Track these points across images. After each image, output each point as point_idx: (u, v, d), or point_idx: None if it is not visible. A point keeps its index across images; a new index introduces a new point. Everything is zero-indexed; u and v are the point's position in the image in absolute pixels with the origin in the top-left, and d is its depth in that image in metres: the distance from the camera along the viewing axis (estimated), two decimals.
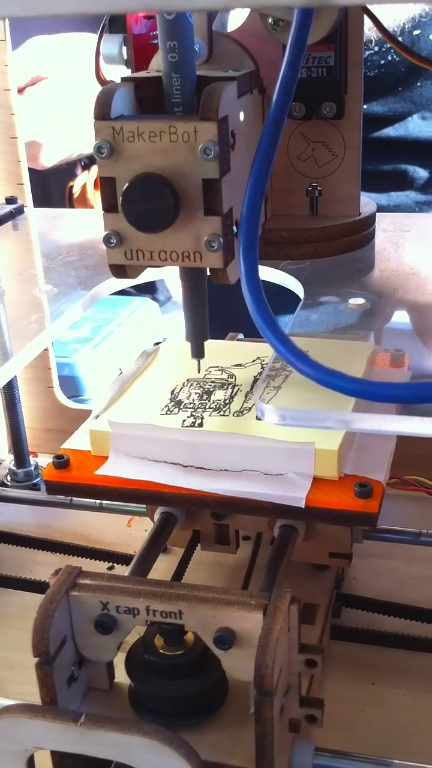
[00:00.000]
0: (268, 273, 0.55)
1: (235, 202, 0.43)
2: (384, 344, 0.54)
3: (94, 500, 0.64)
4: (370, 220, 0.59)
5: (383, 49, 0.90)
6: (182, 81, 0.43)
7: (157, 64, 0.48)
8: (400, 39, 0.87)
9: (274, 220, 0.57)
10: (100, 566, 0.65)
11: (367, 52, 0.88)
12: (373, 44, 0.89)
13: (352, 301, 0.52)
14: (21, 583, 0.64)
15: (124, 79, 0.45)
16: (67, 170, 1.97)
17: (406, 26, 0.89)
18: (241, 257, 0.40)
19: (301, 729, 0.45)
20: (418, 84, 0.92)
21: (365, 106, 0.55)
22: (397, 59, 0.90)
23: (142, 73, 0.47)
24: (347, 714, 0.52)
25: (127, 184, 0.41)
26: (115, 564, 0.65)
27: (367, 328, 0.54)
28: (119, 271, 0.45)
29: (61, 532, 0.69)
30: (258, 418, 0.52)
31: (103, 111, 0.42)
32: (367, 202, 0.60)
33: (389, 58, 0.90)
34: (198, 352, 0.51)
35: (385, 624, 0.57)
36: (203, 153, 0.41)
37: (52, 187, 1.94)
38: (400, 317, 0.55)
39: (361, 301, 0.52)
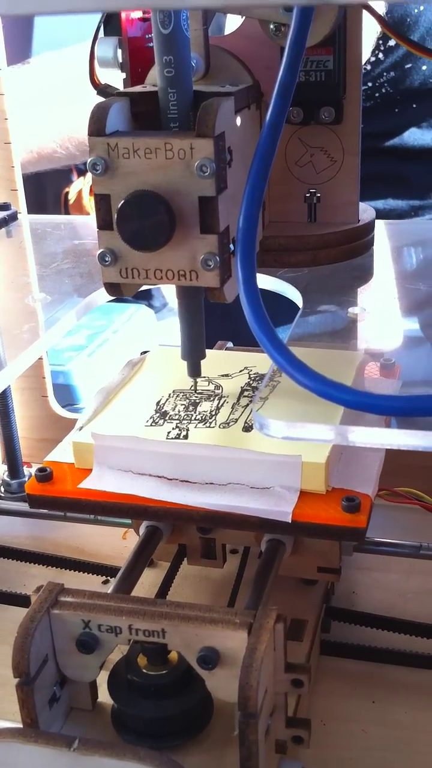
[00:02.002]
0: (265, 281, 0.54)
1: (232, 219, 0.43)
2: (382, 354, 0.52)
3: (101, 516, 0.63)
4: (370, 227, 0.58)
5: (377, 84, 0.90)
6: (178, 96, 0.42)
7: (153, 78, 0.47)
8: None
9: (272, 227, 0.56)
10: (94, 580, 0.64)
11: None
12: (368, 79, 0.90)
13: (351, 310, 0.51)
14: (13, 598, 0.62)
15: (119, 94, 0.45)
16: (62, 176, 1.96)
17: None
18: (238, 265, 0.39)
19: (290, 749, 0.44)
20: (414, 105, 0.92)
21: (361, 126, 0.55)
22: (392, 91, 0.91)
23: (137, 88, 0.46)
24: (348, 733, 0.51)
25: (122, 202, 0.41)
26: (109, 578, 0.64)
27: (366, 337, 0.53)
28: (114, 289, 0.44)
29: (54, 545, 0.68)
30: (247, 430, 0.52)
31: (98, 127, 0.41)
32: (366, 208, 0.59)
33: (383, 90, 0.91)
34: (194, 371, 0.50)
35: (385, 640, 0.56)
36: (199, 170, 0.40)
37: (47, 193, 1.94)
38: (399, 326, 0.54)
39: (361, 310, 0.51)
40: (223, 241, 0.42)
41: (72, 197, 1.97)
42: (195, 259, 0.41)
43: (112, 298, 0.61)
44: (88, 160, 0.41)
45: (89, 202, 1.96)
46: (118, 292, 0.44)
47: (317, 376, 0.36)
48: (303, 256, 0.55)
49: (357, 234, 0.57)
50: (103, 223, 0.42)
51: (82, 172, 1.97)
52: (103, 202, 0.42)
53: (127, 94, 0.44)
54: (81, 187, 1.96)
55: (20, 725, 0.43)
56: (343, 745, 0.50)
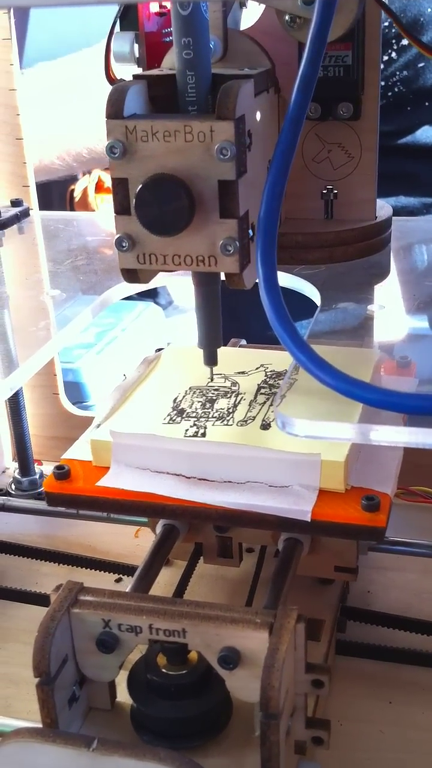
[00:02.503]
0: (282, 278, 0.54)
1: (251, 204, 0.42)
2: (399, 352, 0.52)
3: (119, 514, 0.63)
4: (387, 224, 0.57)
5: (389, 83, 0.90)
6: (197, 79, 0.42)
7: (169, 62, 0.47)
8: None
9: (288, 224, 0.56)
10: (107, 578, 0.64)
11: None
12: (381, 78, 0.89)
13: (370, 307, 0.50)
14: (26, 596, 0.62)
15: (136, 77, 0.44)
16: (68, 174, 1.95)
17: None
18: (259, 262, 0.39)
19: (309, 750, 0.43)
20: (426, 104, 0.92)
21: None
22: (404, 89, 0.90)
23: (154, 71, 0.45)
24: (365, 734, 0.50)
25: (140, 186, 0.40)
26: (122, 576, 0.64)
27: (383, 335, 0.53)
28: (131, 275, 0.43)
29: (67, 543, 0.68)
30: (265, 428, 0.51)
31: (115, 109, 0.40)
32: (383, 205, 0.59)
33: (396, 89, 0.90)
34: (210, 360, 0.50)
35: (401, 640, 0.56)
36: (219, 153, 0.39)
37: (53, 190, 1.93)
38: (416, 324, 0.54)
39: (379, 308, 0.50)
40: (243, 226, 0.41)
41: (77, 195, 1.96)
42: (214, 244, 0.41)
43: (126, 295, 0.61)
44: (106, 143, 0.41)
45: (94, 200, 1.96)
46: (135, 279, 0.43)
47: (340, 375, 0.36)
48: (319, 254, 0.55)
49: (374, 231, 0.56)
50: (121, 208, 0.41)
51: (87, 171, 1.96)
52: (120, 186, 0.41)
53: (144, 77, 0.43)
54: (86, 184, 1.96)
55: (36, 724, 0.42)
56: (360, 746, 0.49)
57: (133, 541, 0.67)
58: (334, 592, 0.55)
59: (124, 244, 0.42)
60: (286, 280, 0.54)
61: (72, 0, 0.25)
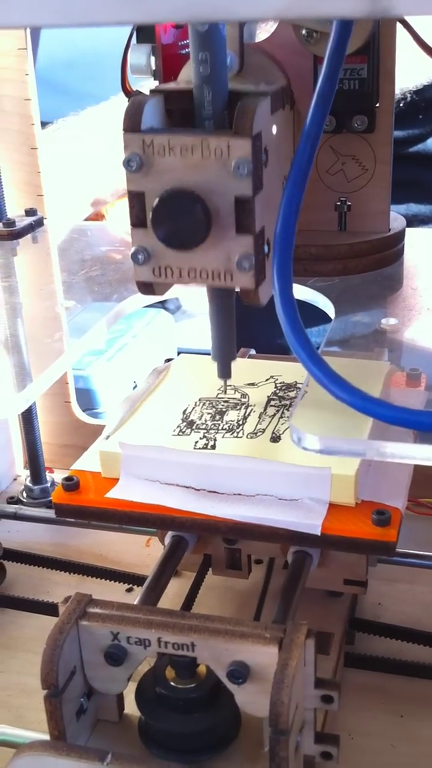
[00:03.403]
0: (296, 290, 0.54)
1: (267, 220, 0.42)
2: (410, 364, 0.52)
3: (127, 525, 0.63)
4: (400, 236, 0.57)
5: (402, 92, 0.90)
6: (214, 94, 0.42)
7: (186, 76, 0.47)
8: None
9: (302, 236, 0.55)
10: (118, 588, 0.64)
11: None
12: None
13: (384, 321, 0.50)
14: (37, 606, 0.62)
15: (153, 91, 0.44)
16: None
17: None
18: (275, 276, 0.39)
19: (318, 766, 0.43)
20: None
21: None
22: (416, 98, 0.91)
23: (171, 85, 0.46)
24: (376, 748, 0.50)
25: (157, 200, 0.40)
26: (133, 585, 0.64)
27: (397, 347, 0.53)
28: (147, 288, 0.43)
29: (78, 552, 0.68)
30: (275, 441, 0.51)
31: (133, 123, 0.40)
32: (396, 217, 0.59)
33: (408, 98, 0.90)
34: (224, 373, 0.50)
35: (413, 652, 0.56)
36: (236, 170, 0.39)
37: None
38: (430, 336, 0.54)
39: (393, 321, 0.50)
40: (259, 242, 0.41)
41: None
42: (230, 259, 0.41)
43: (140, 307, 0.61)
44: (123, 157, 0.41)
45: (105, 209, 1.96)
46: (151, 291, 0.43)
47: (354, 390, 0.36)
48: (333, 266, 0.55)
49: (387, 243, 0.56)
50: (137, 221, 0.41)
51: None
52: (137, 199, 0.41)
53: (161, 92, 0.44)
54: None
55: (46, 736, 0.42)
56: (371, 760, 0.49)
57: (144, 551, 0.67)
58: (343, 605, 0.55)
59: (140, 257, 0.42)
60: (299, 292, 0.54)
61: (87, 21, 0.25)
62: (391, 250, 0.57)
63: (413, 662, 0.55)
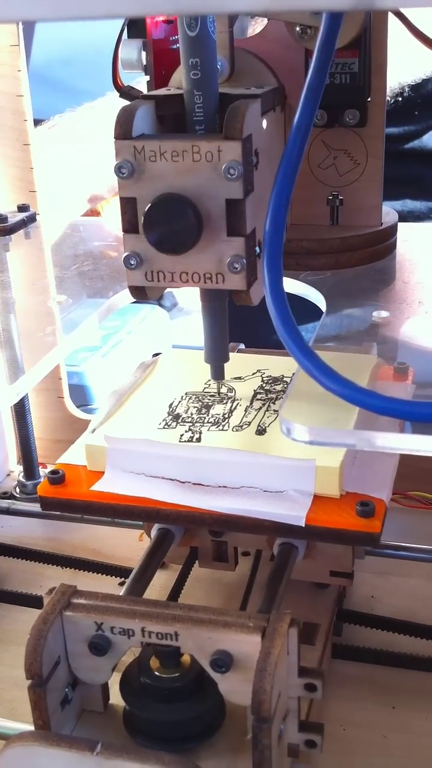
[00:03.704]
0: (288, 284, 0.54)
1: (258, 222, 0.42)
2: (400, 358, 0.52)
3: (113, 518, 0.63)
4: (392, 230, 0.58)
5: (398, 87, 0.90)
6: (204, 99, 0.42)
7: (176, 81, 0.47)
8: None
9: (294, 230, 0.56)
10: (111, 581, 0.64)
11: None
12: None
13: (375, 314, 0.51)
14: (29, 600, 0.62)
15: (144, 97, 0.44)
16: None
17: None
18: (265, 270, 0.39)
19: (308, 754, 0.43)
20: None
21: None
22: (412, 94, 0.91)
23: (162, 91, 0.46)
24: (368, 739, 0.50)
25: (149, 205, 0.40)
26: (126, 579, 0.64)
27: (387, 341, 0.53)
28: (139, 292, 0.44)
29: (71, 547, 0.68)
30: (260, 434, 0.52)
31: (124, 130, 0.41)
32: (389, 211, 0.59)
33: (405, 94, 0.91)
34: (217, 374, 0.50)
35: (404, 645, 0.56)
36: (227, 173, 0.40)
37: None
38: (422, 330, 0.54)
39: (385, 314, 0.50)
40: (250, 244, 0.42)
41: None
42: (221, 261, 0.41)
43: (134, 300, 0.61)
44: (114, 164, 0.41)
45: (100, 206, 1.96)
46: (143, 295, 0.44)
47: (344, 381, 0.36)
48: (325, 260, 0.55)
49: (379, 237, 0.57)
50: (129, 227, 0.42)
51: None
52: (129, 205, 0.42)
53: (152, 97, 0.44)
54: None
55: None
56: (363, 751, 0.50)
57: (137, 545, 0.67)
58: (330, 596, 0.55)
59: (132, 262, 0.42)
60: (291, 285, 0.55)
61: (78, 14, 0.25)
62: (383, 244, 0.57)
63: (404, 653, 0.55)
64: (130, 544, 0.67)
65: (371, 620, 0.57)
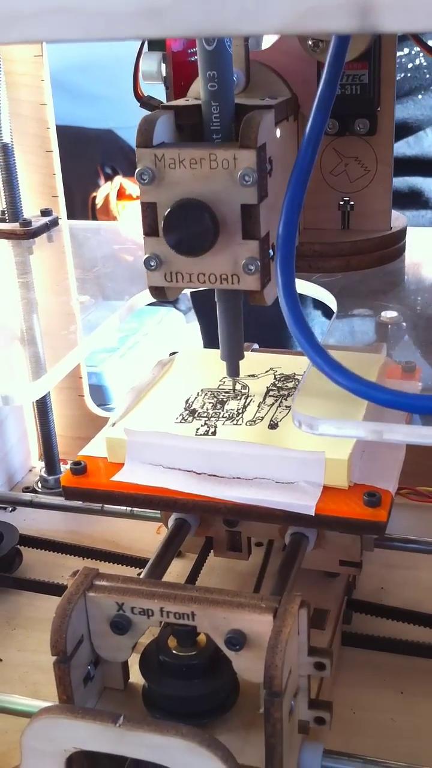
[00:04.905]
0: (300, 285, 0.56)
1: (272, 226, 0.45)
2: (407, 357, 0.54)
3: (124, 507, 0.65)
4: (402, 234, 0.60)
5: (413, 52, 0.91)
6: (221, 109, 0.44)
7: (195, 91, 0.49)
8: None
9: (307, 234, 0.58)
10: (129, 571, 0.66)
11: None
12: (404, 47, 0.91)
13: (384, 314, 0.53)
14: (52, 588, 0.65)
15: (164, 107, 0.47)
16: (90, 181, 1.99)
17: None
18: (278, 272, 0.41)
19: (312, 731, 0.46)
20: None
21: None
22: (425, 64, 0.92)
23: (181, 102, 0.48)
24: (377, 722, 0.52)
25: (168, 210, 0.43)
26: (143, 570, 0.66)
27: (395, 340, 0.55)
28: (158, 292, 0.46)
29: (91, 539, 0.70)
30: (272, 428, 0.54)
31: (145, 139, 0.43)
32: (398, 216, 0.61)
33: (417, 62, 0.91)
34: (233, 371, 0.52)
35: (413, 634, 0.58)
36: (242, 179, 0.42)
37: (75, 197, 1.97)
38: (429, 330, 0.56)
39: (393, 314, 0.53)
40: (264, 247, 0.44)
41: (99, 202, 1.99)
42: (237, 263, 0.43)
43: (152, 301, 0.63)
44: (136, 171, 0.44)
45: (116, 207, 1.99)
46: (163, 295, 0.46)
47: (355, 377, 0.38)
48: (337, 262, 0.57)
49: (389, 241, 0.59)
50: (149, 230, 0.44)
51: (109, 177, 2.00)
52: (149, 209, 0.44)
53: (171, 108, 0.46)
54: (108, 191, 1.99)
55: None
56: (372, 733, 0.52)
57: (155, 537, 0.69)
58: (339, 584, 0.57)
59: (152, 264, 0.45)
60: (304, 287, 0.57)
61: (101, 36, 0.27)
62: (392, 247, 0.59)
63: (412, 641, 0.57)
64: (147, 537, 0.69)
65: (381, 610, 0.60)
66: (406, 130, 0.95)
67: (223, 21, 0.27)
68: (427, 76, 0.92)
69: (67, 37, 0.27)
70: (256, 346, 0.67)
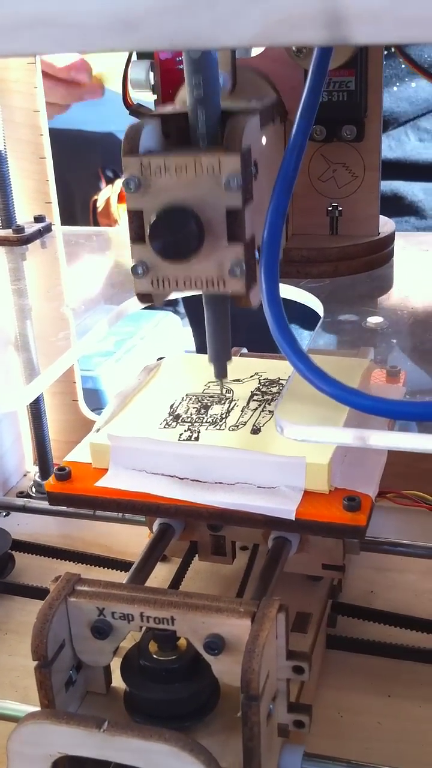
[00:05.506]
0: (288, 291, 0.57)
1: (257, 229, 0.45)
2: (392, 362, 0.55)
3: (116, 512, 0.65)
4: (389, 239, 0.60)
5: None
6: (207, 114, 0.44)
7: (182, 98, 0.50)
8: None
9: (295, 239, 0.59)
10: (120, 576, 0.66)
11: None
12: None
13: (370, 319, 0.53)
14: (44, 593, 0.64)
15: (151, 115, 0.47)
16: (91, 184, 2.00)
17: None
18: (262, 278, 0.41)
19: (298, 735, 0.46)
20: (413, 85, 0.92)
21: None
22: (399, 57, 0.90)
23: (167, 109, 0.49)
24: (364, 725, 0.53)
25: (154, 217, 0.43)
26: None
27: (380, 345, 0.55)
28: (145, 298, 0.46)
29: (83, 543, 0.71)
30: (255, 433, 0.54)
31: (131, 146, 0.43)
32: (386, 221, 0.61)
33: (392, 49, 0.90)
34: (221, 373, 0.53)
35: (402, 637, 0.58)
36: (227, 184, 0.42)
37: (76, 200, 1.97)
38: (418, 336, 0.56)
39: (378, 319, 0.53)
40: (249, 250, 0.44)
41: (100, 205, 2.00)
42: (222, 267, 0.44)
43: (143, 306, 0.64)
44: (122, 179, 0.44)
45: (117, 210, 1.99)
46: (149, 301, 0.46)
47: (335, 382, 0.39)
48: (325, 267, 0.58)
49: (377, 246, 0.59)
50: (136, 237, 0.44)
51: (110, 180, 2.00)
52: (135, 217, 0.44)
53: (158, 115, 0.47)
54: (109, 194, 2.00)
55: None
56: (359, 736, 0.52)
57: (146, 542, 0.70)
58: (322, 588, 0.58)
59: (139, 271, 0.45)
60: (292, 292, 0.57)
61: (82, 47, 0.28)
62: (380, 252, 0.59)
63: (400, 645, 0.57)
64: (139, 541, 0.69)
65: (370, 614, 0.60)
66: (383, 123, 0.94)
67: (196, 34, 0.27)
68: (403, 66, 0.91)
69: (43, 50, 0.28)
70: (244, 350, 0.68)
